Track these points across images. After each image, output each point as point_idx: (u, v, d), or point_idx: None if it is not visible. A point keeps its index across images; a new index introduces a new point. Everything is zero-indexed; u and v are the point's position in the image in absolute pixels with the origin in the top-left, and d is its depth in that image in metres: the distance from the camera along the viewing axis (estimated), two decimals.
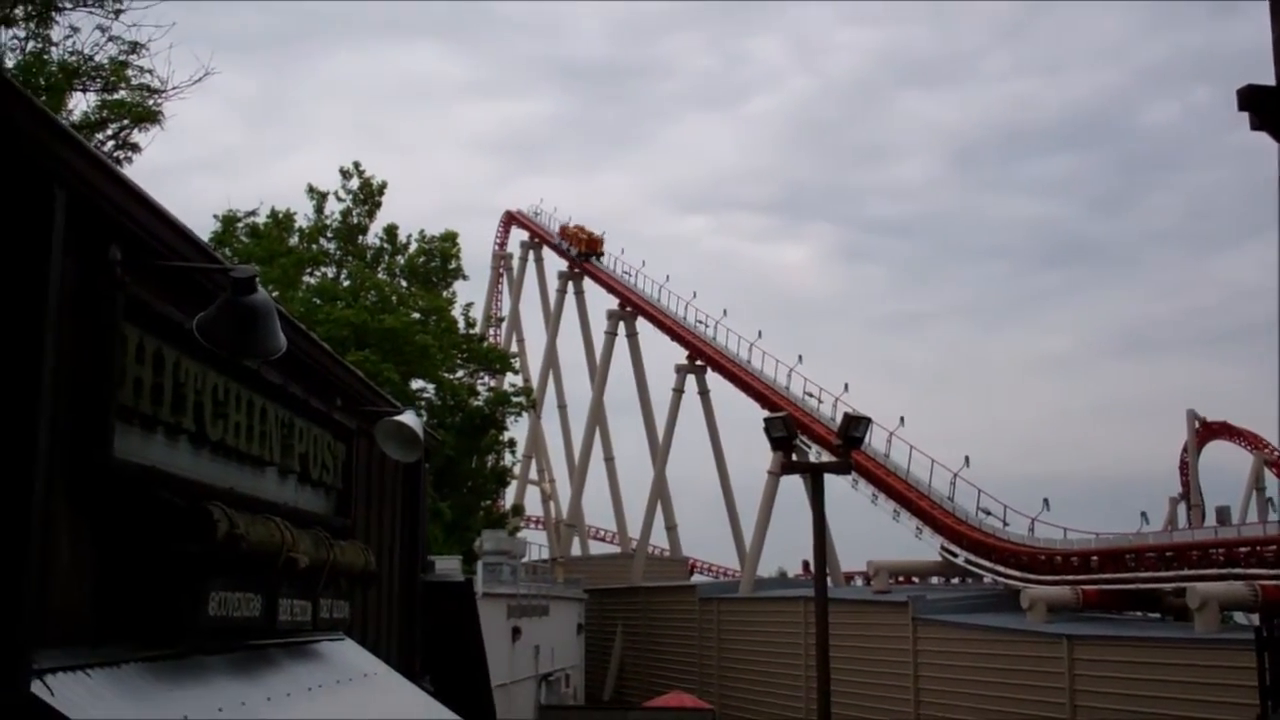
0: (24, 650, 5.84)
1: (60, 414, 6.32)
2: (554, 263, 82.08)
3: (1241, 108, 15.82)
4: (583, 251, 76.70)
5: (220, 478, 8.52)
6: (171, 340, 7.59)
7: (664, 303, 67.93)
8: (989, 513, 48.77)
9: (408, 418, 11.20)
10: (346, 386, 11.82)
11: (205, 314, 7.08)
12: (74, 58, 23.37)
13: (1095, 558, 43.28)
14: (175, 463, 7.80)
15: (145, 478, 7.28)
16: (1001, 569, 46.14)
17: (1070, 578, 42.69)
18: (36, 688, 5.91)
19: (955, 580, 52.48)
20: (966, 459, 49.51)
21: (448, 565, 27.02)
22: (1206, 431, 63.40)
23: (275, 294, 40.13)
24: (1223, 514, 52.60)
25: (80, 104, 23.90)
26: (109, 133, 24.39)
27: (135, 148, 24.40)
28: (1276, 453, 62.41)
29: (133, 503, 7.20)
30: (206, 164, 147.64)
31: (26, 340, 5.99)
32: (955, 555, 48.96)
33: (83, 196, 6.41)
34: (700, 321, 65.10)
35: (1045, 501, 46.89)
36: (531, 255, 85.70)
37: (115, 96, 24.31)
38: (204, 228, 44.19)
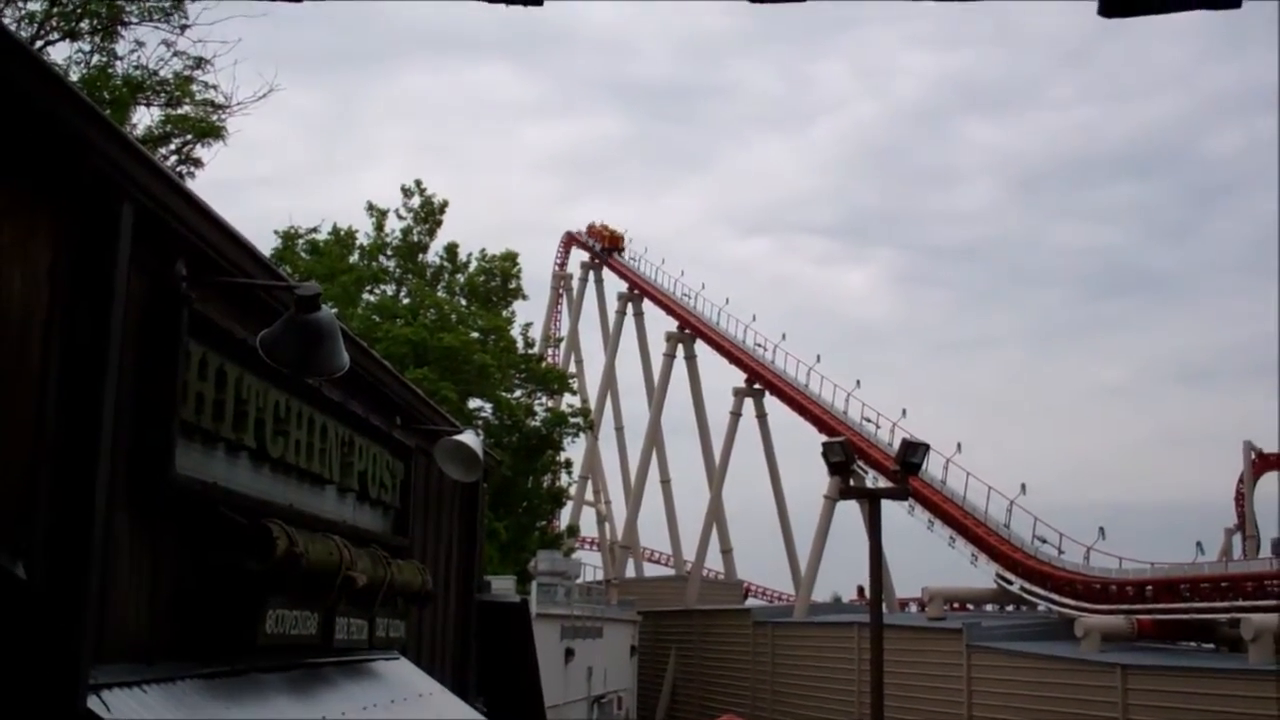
0: (81, 666, 5.83)
1: (123, 429, 6.32)
2: (614, 284, 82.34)
3: None
4: (605, 247, 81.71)
5: (280, 495, 8.52)
6: (234, 356, 7.59)
7: (723, 326, 67.85)
8: (1045, 540, 48.44)
9: (468, 437, 11.18)
10: (406, 405, 11.81)
11: (269, 331, 7.07)
12: (138, 72, 23.62)
13: (1150, 587, 42.85)
14: (236, 479, 7.79)
15: (206, 494, 7.28)
16: (1056, 597, 45.73)
17: (1125, 607, 42.29)
18: (93, 703, 5.90)
19: (1010, 608, 52.01)
20: (1023, 486, 49.22)
21: (502, 585, 27.06)
22: (1263, 463, 62.44)
23: (335, 311, 40.39)
24: (1278, 546, 51.82)
25: (144, 118, 24.16)
26: (172, 147, 24.62)
27: (198, 163, 24.64)
28: None
29: (193, 519, 7.21)
30: (269, 180, 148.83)
31: (92, 356, 6.00)
32: (1010, 583, 48.55)
33: (149, 212, 6.42)
34: (759, 345, 65.04)
35: (1101, 530, 46.57)
36: (591, 276, 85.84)
37: (179, 111, 24.55)
38: (265, 244, 44.55)
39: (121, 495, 6.39)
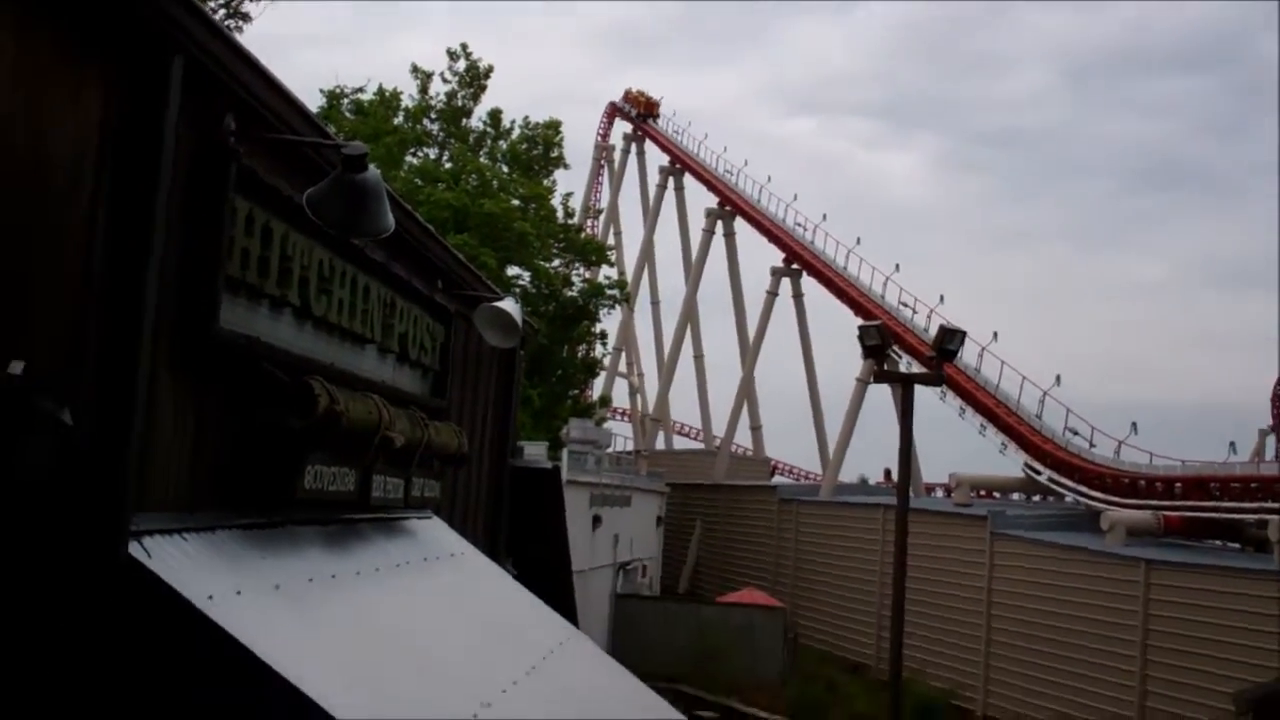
0: (124, 513, 5.95)
1: (169, 282, 6.37)
2: (655, 157, 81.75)
3: None
4: (641, 113, 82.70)
5: (322, 353, 8.59)
6: (280, 214, 7.61)
7: (763, 204, 67.29)
8: (1076, 433, 48.30)
9: (508, 304, 11.22)
10: (448, 269, 11.85)
11: (316, 189, 7.07)
12: None
13: (1179, 484, 42.77)
14: (278, 336, 7.86)
15: (250, 349, 7.35)
16: (1084, 489, 45.75)
17: (1153, 503, 42.22)
18: (134, 549, 6.03)
19: (1037, 498, 52.08)
20: (1058, 378, 49.04)
21: (534, 451, 27.27)
22: None
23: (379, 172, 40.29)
24: None
25: None
26: (220, 0, 24.46)
27: (246, 17, 24.51)
28: None
29: (236, 374, 7.29)
30: (316, 39, 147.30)
31: (140, 208, 6.03)
32: (1039, 473, 48.59)
33: (200, 64, 6.40)
34: (799, 225, 64.49)
35: (1133, 425, 46.36)
36: (634, 149, 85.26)
37: None
38: (310, 103, 44.19)
39: (166, 348, 6.46)
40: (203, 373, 6.94)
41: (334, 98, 44.67)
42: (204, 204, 6.76)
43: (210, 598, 6.17)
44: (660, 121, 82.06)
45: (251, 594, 6.71)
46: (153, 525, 6.29)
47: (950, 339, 23.87)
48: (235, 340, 7.14)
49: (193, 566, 6.42)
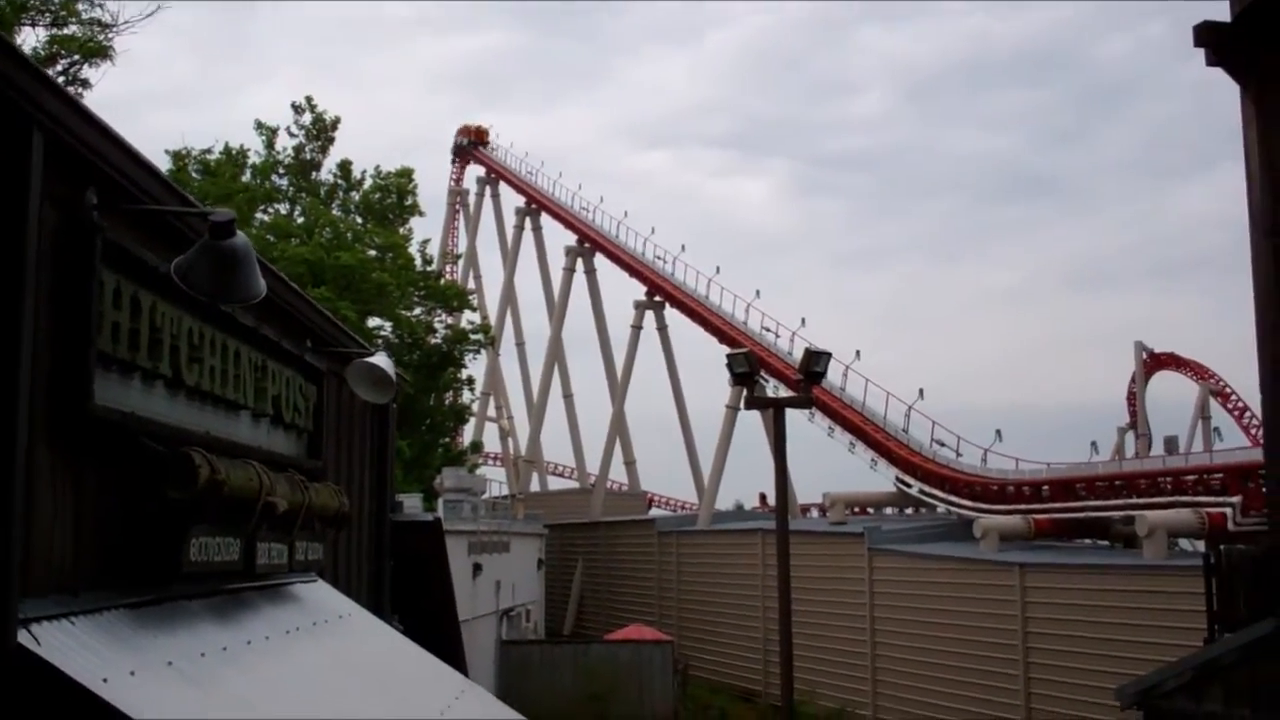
0: (10, 601, 5.82)
1: (41, 363, 6.26)
2: (511, 199, 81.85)
3: (1197, 44, 15.93)
4: (471, 140, 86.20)
5: (198, 422, 8.47)
6: (148, 284, 7.51)
7: (622, 239, 67.75)
8: (943, 444, 49.31)
9: (380, 359, 11.16)
10: (317, 328, 11.75)
11: (184, 258, 7.01)
12: None
13: (1046, 487, 43.79)
14: (153, 408, 7.74)
15: (125, 424, 7.23)
16: (955, 499, 46.60)
17: (1022, 507, 43.17)
18: (23, 638, 5.90)
19: (910, 511, 52.92)
20: (921, 391, 50.02)
21: (412, 503, 27.08)
22: (1154, 362, 63.88)
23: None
24: (1170, 443, 53.19)
25: (29, 39, 23.55)
26: (59, 68, 24.05)
27: (86, 84, 24.12)
28: (1223, 383, 63.12)
29: (114, 450, 7.17)
30: (162, 98, 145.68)
31: (7, 289, 5.92)
32: (910, 486, 49.41)
33: (59, 140, 6.32)
34: (659, 257, 65.08)
35: (998, 433, 47.51)
36: (488, 191, 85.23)
37: (65, 32, 23.96)
38: (157, 165, 43.61)
39: (42, 430, 6.34)
40: (80, 452, 6.82)
41: (180, 159, 44.04)
42: (71, 281, 6.66)
43: (105, 680, 6.05)
44: (494, 150, 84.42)
45: (145, 673, 6.59)
46: (39, 611, 6.16)
47: (816, 361, 24.19)
48: (111, 416, 7.02)
49: (84, 650, 6.29)
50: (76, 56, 24.03)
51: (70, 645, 6.24)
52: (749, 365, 24.20)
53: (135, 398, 7.51)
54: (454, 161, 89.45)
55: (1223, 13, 15.85)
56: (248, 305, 8.37)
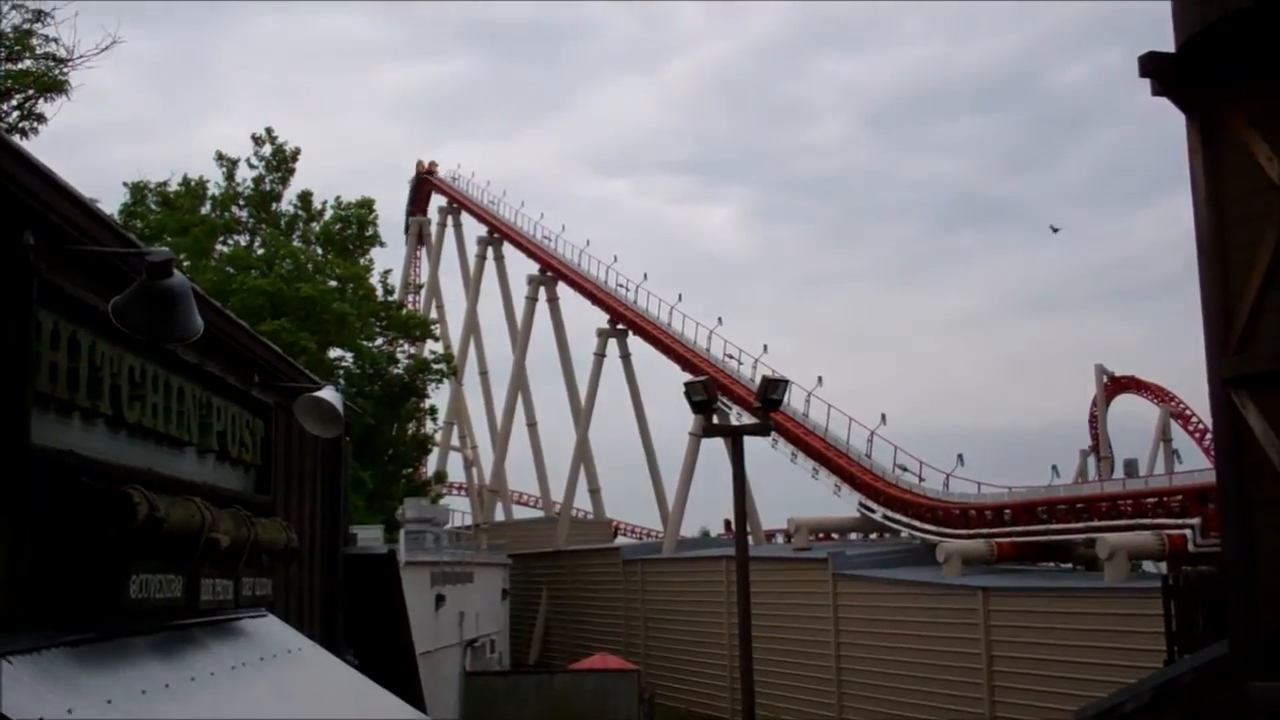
0: None
1: None
2: (473, 228, 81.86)
3: (1143, 74, 16.17)
4: (425, 172, 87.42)
5: (139, 459, 8.48)
6: (87, 324, 7.53)
7: (585, 267, 67.83)
8: (905, 469, 49.54)
9: (327, 393, 11.17)
10: (264, 362, 11.77)
11: (121, 297, 7.04)
12: None
13: (1008, 511, 44.03)
14: (93, 446, 7.75)
15: (63, 463, 7.25)
16: (918, 524, 46.81)
17: (984, 531, 43.38)
18: None
19: (873, 536, 53.10)
20: (883, 417, 50.25)
21: (370, 535, 27.02)
22: (1115, 386, 64.42)
23: (188, 263, 39.71)
24: (1131, 466, 53.55)
25: None
26: (14, 103, 23.99)
27: (41, 118, 24.02)
28: (1183, 405, 63.65)
29: (51, 489, 7.17)
30: (117, 132, 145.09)
31: None
32: (873, 511, 49.59)
33: None
34: (621, 285, 65.23)
35: (960, 457, 47.81)
36: (450, 221, 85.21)
37: (19, 66, 23.91)
38: (115, 197, 43.55)
39: None
40: (17, 491, 6.82)
41: (139, 190, 43.95)
42: (7, 322, 6.68)
43: None
44: (456, 180, 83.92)
45: (84, 711, 6.59)
46: None
47: (774, 389, 24.34)
48: (48, 455, 7.04)
49: (21, 690, 6.28)
50: (31, 91, 23.95)
51: (8, 685, 6.24)
52: (707, 394, 24.33)
53: (74, 436, 7.52)
54: (411, 199, 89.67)
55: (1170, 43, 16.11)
56: (189, 343, 8.40)
